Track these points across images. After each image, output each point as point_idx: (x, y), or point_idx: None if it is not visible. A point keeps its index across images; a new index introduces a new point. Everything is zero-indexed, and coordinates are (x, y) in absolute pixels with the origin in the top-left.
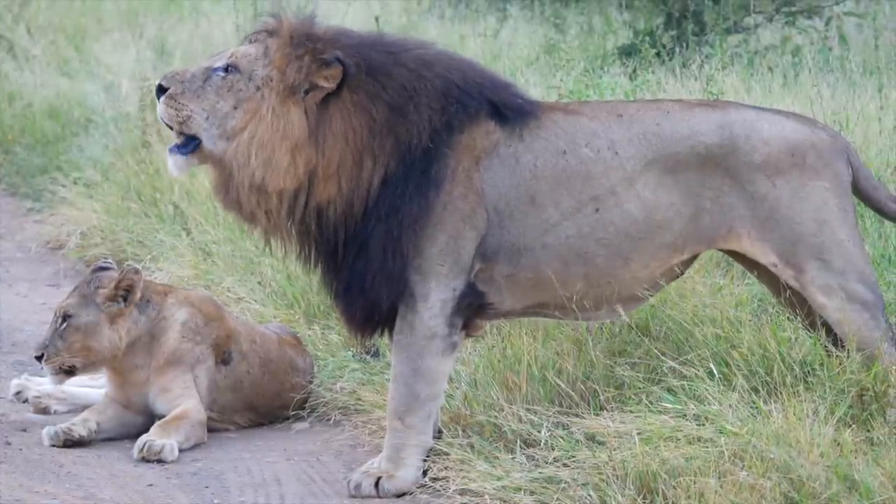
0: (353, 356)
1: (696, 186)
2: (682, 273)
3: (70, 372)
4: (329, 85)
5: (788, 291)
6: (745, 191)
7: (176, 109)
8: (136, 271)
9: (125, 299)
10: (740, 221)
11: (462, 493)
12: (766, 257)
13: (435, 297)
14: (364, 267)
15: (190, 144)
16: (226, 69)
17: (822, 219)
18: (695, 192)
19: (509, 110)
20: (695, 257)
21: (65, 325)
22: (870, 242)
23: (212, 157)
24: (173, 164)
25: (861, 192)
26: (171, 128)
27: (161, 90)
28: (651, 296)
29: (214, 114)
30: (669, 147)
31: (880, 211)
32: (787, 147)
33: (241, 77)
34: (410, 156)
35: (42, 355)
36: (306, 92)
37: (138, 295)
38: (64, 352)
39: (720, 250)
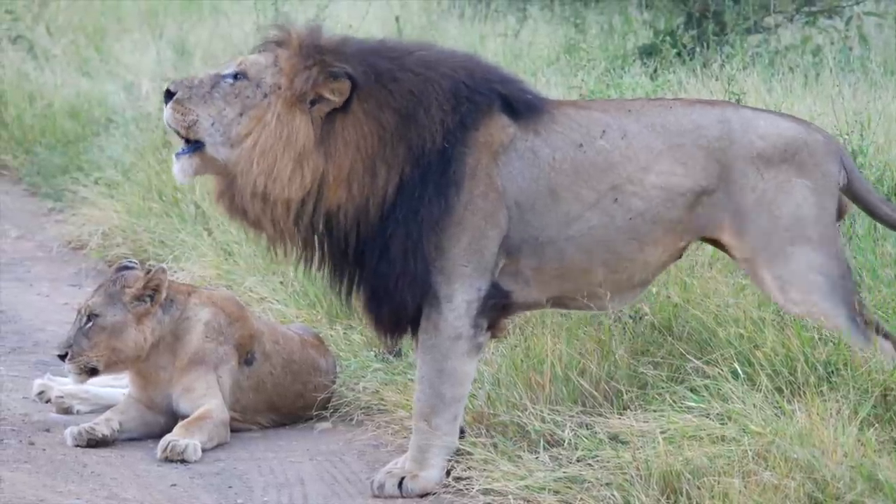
0: (375, 356)
1: (699, 178)
2: (680, 257)
3: (93, 372)
4: (335, 98)
5: None
6: (735, 183)
7: (182, 114)
8: (163, 270)
9: (151, 299)
10: (724, 214)
11: (485, 492)
12: (740, 252)
13: (460, 298)
14: (387, 270)
15: (193, 146)
16: (235, 76)
17: (799, 215)
18: (697, 184)
19: (521, 104)
20: (688, 246)
21: (90, 324)
22: (893, 242)
23: (214, 164)
24: (178, 168)
25: (854, 194)
26: (178, 133)
27: (169, 95)
28: (652, 282)
29: (220, 120)
30: (676, 138)
31: (872, 214)
32: (781, 143)
33: (250, 84)
34: (426, 159)
35: (66, 354)
36: (313, 103)
37: (164, 294)
38: (89, 351)
39: (706, 240)
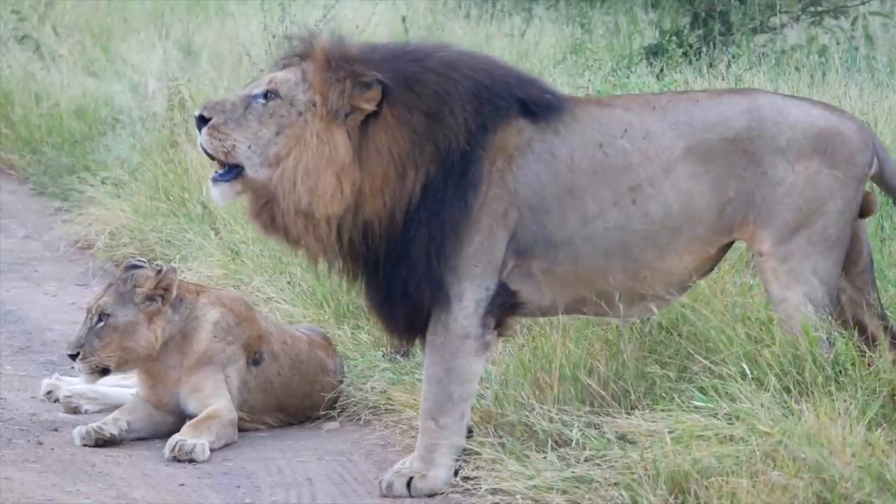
0: (383, 356)
1: (724, 176)
2: (712, 269)
3: (104, 371)
4: (369, 107)
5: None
6: (764, 176)
7: (220, 140)
8: (174, 270)
9: (162, 298)
10: (752, 209)
11: (493, 492)
12: (761, 245)
13: (469, 298)
14: (407, 273)
15: (232, 172)
16: (265, 95)
17: (825, 210)
18: (723, 182)
19: (539, 107)
20: (724, 252)
21: (101, 324)
22: None
23: (254, 184)
24: (218, 193)
25: (885, 183)
26: (213, 157)
27: (203, 120)
28: (680, 295)
29: (256, 142)
30: (701, 134)
31: None
32: (812, 132)
33: (283, 103)
34: (449, 160)
35: (77, 353)
36: (346, 115)
37: (175, 294)
38: (100, 351)
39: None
